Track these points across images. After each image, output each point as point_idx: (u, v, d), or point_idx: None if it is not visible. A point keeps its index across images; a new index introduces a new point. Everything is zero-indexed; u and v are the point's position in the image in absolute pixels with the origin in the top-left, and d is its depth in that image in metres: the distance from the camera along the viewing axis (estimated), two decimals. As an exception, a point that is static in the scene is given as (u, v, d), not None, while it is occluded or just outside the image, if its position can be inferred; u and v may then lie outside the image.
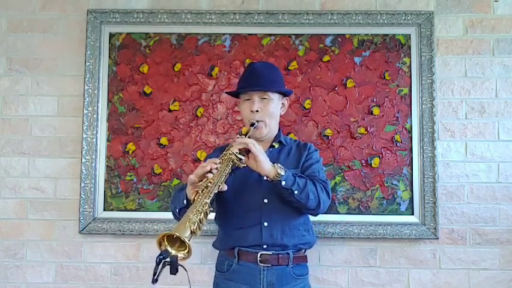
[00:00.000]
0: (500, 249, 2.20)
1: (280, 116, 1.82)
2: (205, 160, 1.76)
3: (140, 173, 2.24)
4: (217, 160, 1.56)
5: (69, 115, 2.28)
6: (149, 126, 2.26)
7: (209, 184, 1.48)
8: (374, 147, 2.23)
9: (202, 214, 1.40)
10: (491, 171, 2.23)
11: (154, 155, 2.25)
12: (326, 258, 2.21)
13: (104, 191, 2.24)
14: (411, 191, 2.20)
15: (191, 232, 1.35)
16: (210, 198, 1.45)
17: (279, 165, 1.58)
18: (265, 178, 1.63)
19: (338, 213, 2.21)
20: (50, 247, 2.25)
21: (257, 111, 1.68)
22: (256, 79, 1.70)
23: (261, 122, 1.70)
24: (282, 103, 1.79)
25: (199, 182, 1.51)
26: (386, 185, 2.21)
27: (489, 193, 2.22)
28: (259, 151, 1.55)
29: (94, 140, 2.23)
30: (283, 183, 1.55)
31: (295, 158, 1.76)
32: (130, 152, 2.25)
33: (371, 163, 2.22)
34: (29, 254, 2.25)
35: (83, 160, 2.22)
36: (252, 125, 1.68)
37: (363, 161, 2.22)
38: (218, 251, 1.79)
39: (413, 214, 2.20)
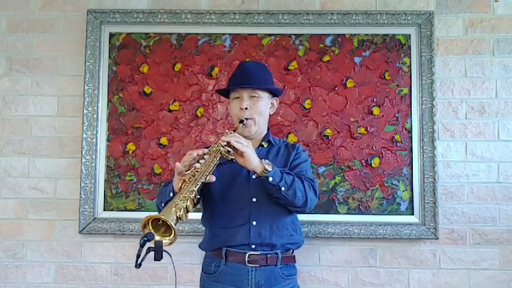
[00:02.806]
0: (500, 249, 2.20)
1: (270, 116, 1.80)
2: None
3: (140, 173, 2.24)
4: (205, 150, 1.54)
5: (69, 115, 2.28)
6: (149, 126, 2.26)
7: (196, 173, 1.45)
8: (374, 147, 2.23)
9: (189, 201, 1.37)
10: (491, 171, 2.23)
11: (154, 155, 2.25)
12: (326, 258, 2.21)
13: (104, 191, 2.24)
14: (411, 191, 2.20)
15: (177, 218, 1.32)
16: (197, 186, 1.42)
17: (267, 161, 1.56)
18: (253, 176, 1.61)
19: (338, 213, 2.21)
20: (50, 247, 2.25)
21: (246, 108, 1.67)
22: (246, 77, 1.70)
23: (250, 120, 1.69)
24: (272, 103, 1.78)
25: (186, 171, 1.49)
26: (386, 185, 2.21)
27: (489, 193, 2.22)
28: (246, 146, 1.53)
29: (94, 140, 2.23)
30: (270, 179, 1.53)
31: (283, 158, 1.75)
32: (130, 152, 2.25)
33: (371, 163, 2.22)
34: (29, 254, 2.25)
35: (83, 160, 2.22)
36: (241, 121, 1.67)
37: (363, 161, 2.22)
38: (205, 252, 1.76)
39: (413, 214, 2.20)
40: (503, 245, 2.20)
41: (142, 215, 2.21)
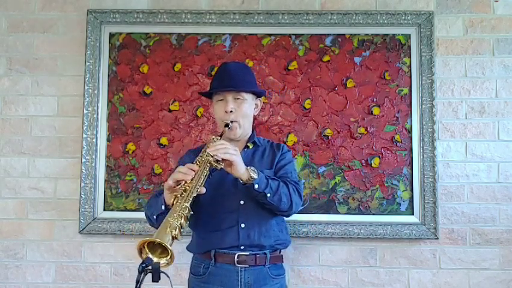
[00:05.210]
0: (500, 249, 2.20)
1: (254, 118, 1.80)
2: (178, 163, 1.74)
3: (140, 173, 2.24)
4: (196, 167, 1.51)
5: (69, 115, 2.29)
6: (149, 126, 2.26)
7: (187, 188, 1.44)
8: (374, 147, 2.23)
9: (183, 218, 1.36)
10: (491, 171, 2.23)
11: (154, 155, 2.25)
12: (326, 258, 2.21)
13: (104, 191, 2.24)
14: (411, 191, 2.20)
15: (172, 238, 1.31)
16: (190, 201, 1.42)
17: (253, 168, 1.56)
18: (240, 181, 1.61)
19: (338, 213, 2.21)
20: (50, 247, 2.25)
21: (231, 111, 1.67)
22: (229, 79, 1.69)
23: (235, 123, 1.68)
24: (256, 104, 1.78)
25: (177, 186, 1.48)
26: (386, 185, 2.21)
27: (489, 193, 2.22)
28: (234, 154, 1.52)
29: (94, 140, 2.23)
30: (256, 186, 1.54)
31: (269, 159, 1.76)
32: (130, 152, 2.25)
33: (371, 163, 2.22)
34: (29, 254, 2.25)
35: (83, 160, 2.22)
36: (227, 125, 1.66)
37: (363, 161, 2.22)
38: (192, 254, 1.76)
39: (413, 214, 2.20)
40: (503, 245, 2.20)
41: (142, 215, 2.19)
